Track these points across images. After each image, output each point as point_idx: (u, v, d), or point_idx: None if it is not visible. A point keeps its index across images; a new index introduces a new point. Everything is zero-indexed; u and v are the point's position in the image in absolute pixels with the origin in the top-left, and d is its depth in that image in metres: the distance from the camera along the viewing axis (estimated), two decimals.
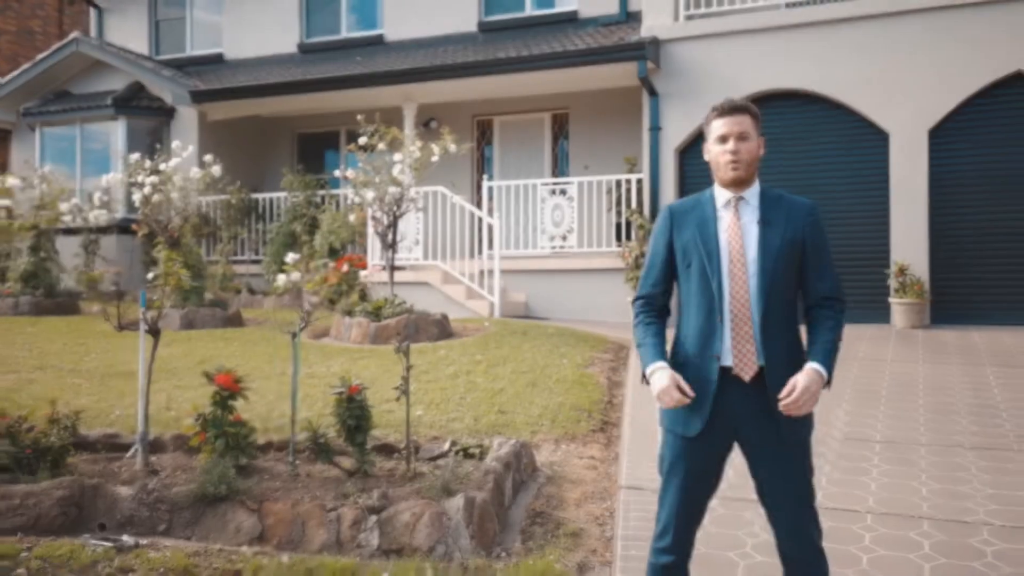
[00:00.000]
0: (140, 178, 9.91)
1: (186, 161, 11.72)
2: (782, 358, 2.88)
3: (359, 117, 9.83)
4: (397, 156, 9.46)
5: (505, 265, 11.91)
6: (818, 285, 2.95)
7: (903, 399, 6.76)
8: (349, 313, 9.50)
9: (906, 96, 10.42)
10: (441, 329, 9.45)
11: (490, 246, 11.63)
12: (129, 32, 17.06)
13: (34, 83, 15.33)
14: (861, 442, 5.71)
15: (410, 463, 4.71)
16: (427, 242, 12.12)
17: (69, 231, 13.77)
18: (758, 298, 2.86)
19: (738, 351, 2.87)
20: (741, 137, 2.92)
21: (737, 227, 2.92)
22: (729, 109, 2.95)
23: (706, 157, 3.03)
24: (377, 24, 15.24)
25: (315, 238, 12.45)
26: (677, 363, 2.99)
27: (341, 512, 4.06)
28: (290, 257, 4.81)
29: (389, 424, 5.83)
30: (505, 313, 11.34)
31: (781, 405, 2.78)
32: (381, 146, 9.47)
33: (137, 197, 9.97)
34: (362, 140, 9.72)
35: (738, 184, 2.94)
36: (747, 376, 2.87)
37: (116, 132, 14.32)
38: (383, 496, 4.10)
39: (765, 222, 2.91)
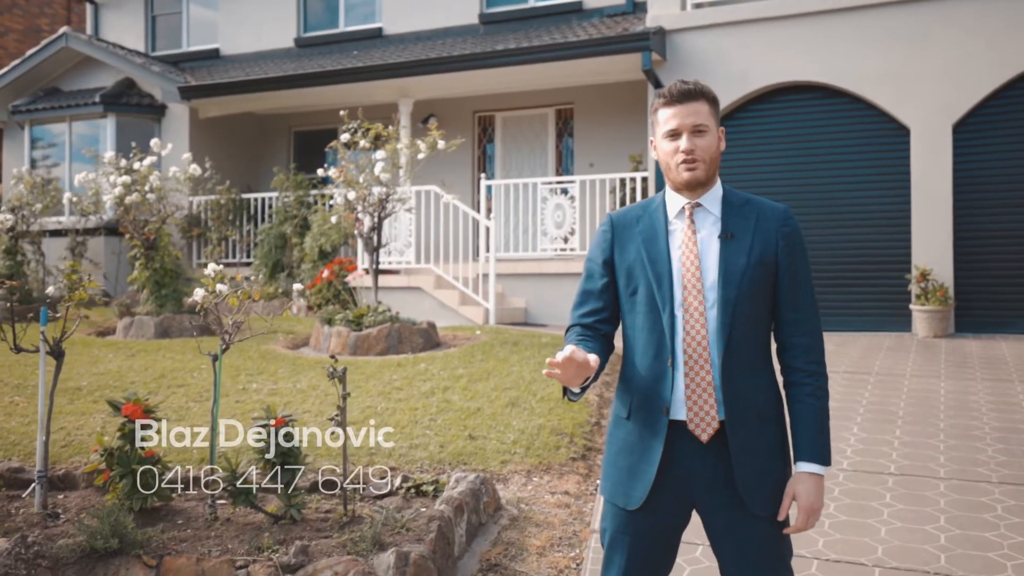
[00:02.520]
0: (112, 178, 9.38)
1: (169, 159, 11.22)
2: (750, 411, 2.28)
3: (342, 113, 9.28)
4: (380, 154, 8.86)
5: (503, 268, 11.31)
6: (792, 326, 2.34)
7: (922, 421, 6.09)
8: (329, 322, 8.95)
9: (928, 89, 9.69)
10: (427, 339, 8.86)
11: (488, 248, 11.03)
12: (125, 28, 16.64)
13: (24, 80, 14.91)
14: (872, 475, 5.05)
15: (347, 506, 4.11)
16: (419, 244, 11.53)
17: (56, 233, 13.33)
18: (719, 335, 2.26)
19: (694, 402, 2.26)
20: (697, 131, 2.30)
21: (693, 243, 2.32)
22: (680, 95, 2.32)
23: (654, 156, 2.41)
24: (376, 17, 14.69)
25: (305, 240, 11.90)
26: (618, 416, 2.40)
27: (252, 570, 3.48)
28: (210, 268, 4.20)
29: (348, 453, 5.25)
30: (501, 320, 10.73)
31: (785, 531, 2.29)
32: (363, 143, 8.87)
33: (108, 198, 9.45)
34: (344, 137, 9.16)
35: (694, 187, 2.33)
36: (704, 435, 2.26)
37: (105, 130, 13.85)
38: (302, 551, 3.51)
39: (728, 236, 2.31)
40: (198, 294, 4.20)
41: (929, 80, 9.69)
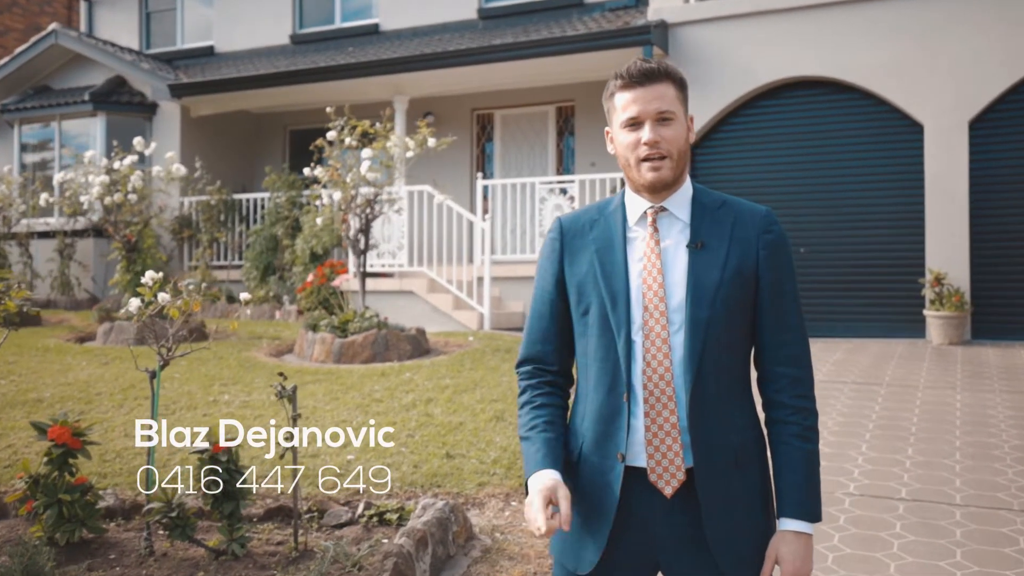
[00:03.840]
0: (90, 177, 9.03)
1: (160, 159, 10.87)
2: (725, 455, 1.88)
3: (328, 110, 8.92)
4: (366, 152, 8.48)
5: (500, 271, 10.92)
6: (775, 353, 1.93)
7: (936, 439, 5.65)
8: (314, 327, 8.57)
9: (943, 83, 9.23)
10: (415, 346, 8.47)
11: (483, 251, 10.62)
12: (120, 25, 16.33)
13: (15, 78, 14.60)
14: (881, 501, 4.63)
15: (298, 538, 3.73)
16: (412, 246, 11.14)
17: (45, 235, 13.02)
18: (686, 365, 1.85)
19: (655, 448, 1.86)
20: (662, 118, 1.89)
21: (656, 254, 1.91)
22: (641, 75, 1.90)
23: (610, 149, 2.01)
24: (372, 13, 14.32)
25: (296, 242, 11.53)
26: (569, 461, 1.99)
27: None
28: (148, 276, 3.82)
29: (311, 474, 4.86)
30: (497, 325, 10.33)
31: None
32: (349, 141, 8.50)
33: (85, 199, 9.09)
34: (330, 135, 8.79)
35: (659, 189, 1.92)
36: (668, 487, 1.86)
37: (95, 129, 13.52)
38: None
39: (698, 245, 1.91)
40: (133, 304, 3.82)
41: (944, 74, 9.24)
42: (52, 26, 14.40)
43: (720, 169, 10.46)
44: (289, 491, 4.65)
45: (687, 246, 1.91)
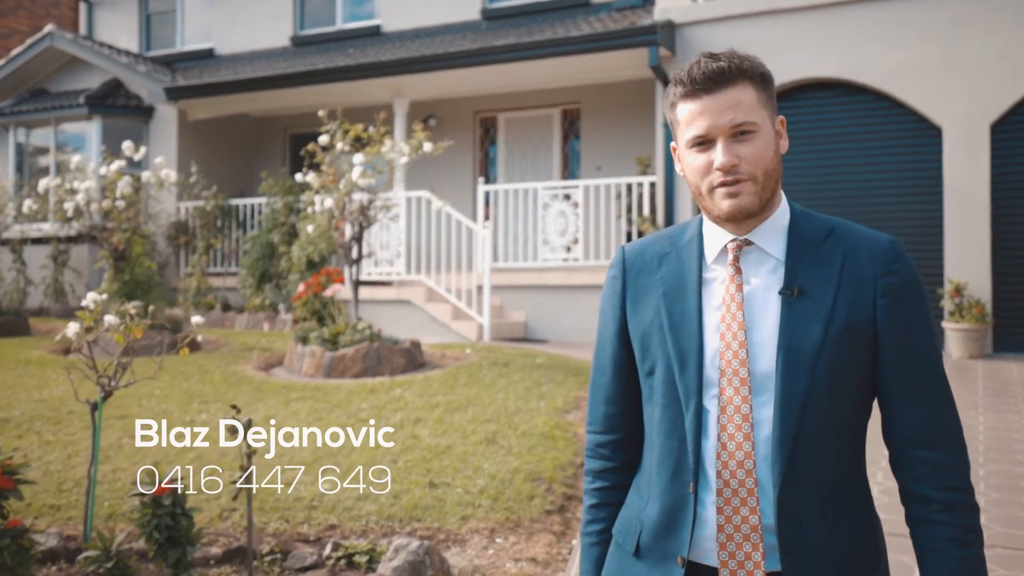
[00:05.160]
0: (76, 184, 8.74)
1: (148, 164, 10.57)
2: (823, 562, 1.46)
3: (320, 113, 8.60)
4: (358, 157, 8.15)
5: (502, 280, 10.56)
6: (911, 430, 1.50)
7: None
8: (304, 340, 8.24)
9: (962, 85, 8.82)
10: (409, 359, 8.13)
11: (483, 258, 10.27)
12: (120, 27, 16.09)
13: (11, 81, 14.36)
14: (896, 540, 4.22)
15: None
16: (411, 254, 10.79)
17: (38, 241, 12.76)
18: (776, 452, 1.45)
19: (730, 553, 1.47)
20: (739, 132, 1.48)
21: (736, 303, 1.51)
22: (706, 80, 1.49)
23: (678, 170, 1.61)
24: (374, 14, 14.00)
25: (292, 249, 11.21)
26: (623, 551, 1.61)
27: None
28: (90, 298, 3.49)
29: (282, 506, 4.53)
30: (497, 336, 9.97)
31: None
32: (340, 146, 8.18)
33: (69, 206, 8.80)
34: (322, 139, 8.47)
35: (741, 218, 1.52)
36: None
37: (91, 133, 13.24)
38: None
39: (794, 292, 1.49)
40: (70, 330, 3.50)
41: (963, 75, 8.82)
42: (47, 28, 14.15)
43: None
44: (260, 529, 4.32)
45: (779, 292, 1.49)
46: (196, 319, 3.98)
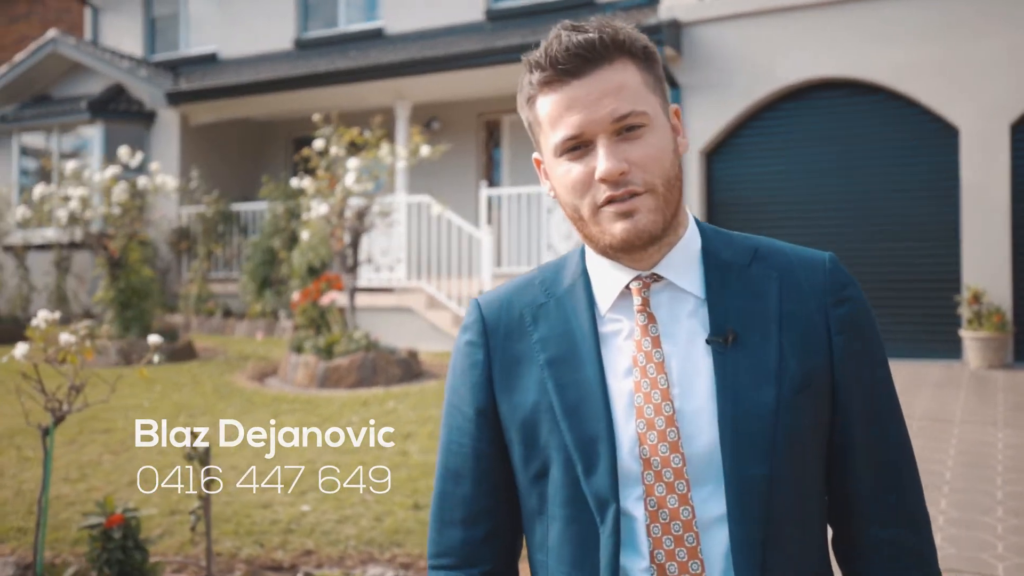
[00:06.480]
0: (69, 190, 8.58)
1: (147, 169, 10.41)
2: None
3: (315, 117, 8.40)
4: (353, 162, 7.94)
5: None
6: (868, 504, 1.14)
7: (974, 487, 4.96)
8: (299, 349, 8.03)
9: (980, 83, 8.50)
10: (405, 369, 7.90)
11: (485, 264, 10.04)
12: (124, 31, 15.96)
13: (15, 87, 14.26)
14: None
15: None
16: (412, 260, 10.57)
17: (42, 247, 12.64)
18: (743, 569, 1.06)
19: None
20: (625, 126, 1.08)
21: (654, 363, 1.10)
22: (573, 56, 1.07)
23: (545, 189, 1.20)
24: (377, 16, 13.79)
25: (293, 255, 11.01)
26: None
27: None
28: (41, 315, 3.28)
29: (257, 530, 4.31)
30: None
31: None
32: (335, 150, 7.97)
33: (63, 213, 8.64)
34: (317, 144, 8.27)
35: (639, 246, 1.11)
36: None
37: (94, 138, 13.11)
38: None
39: (727, 338, 1.10)
40: (19, 351, 3.29)
41: (981, 73, 8.50)
42: (50, 34, 14.05)
43: (739, 179, 9.79)
44: (241, 554, 4.11)
45: (707, 341, 1.10)
46: (154, 338, 3.76)
